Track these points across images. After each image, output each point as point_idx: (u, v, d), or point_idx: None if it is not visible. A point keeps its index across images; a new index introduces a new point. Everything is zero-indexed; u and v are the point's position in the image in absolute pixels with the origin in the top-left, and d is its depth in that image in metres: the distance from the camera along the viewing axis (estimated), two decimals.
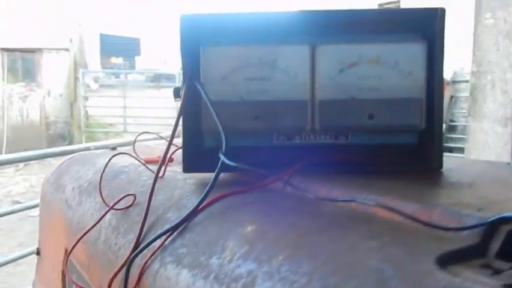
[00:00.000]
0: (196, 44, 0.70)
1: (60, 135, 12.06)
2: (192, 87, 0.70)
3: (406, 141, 0.73)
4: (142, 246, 0.64)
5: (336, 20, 0.71)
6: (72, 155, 1.28)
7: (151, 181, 0.84)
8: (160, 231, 0.63)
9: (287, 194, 0.61)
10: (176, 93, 0.73)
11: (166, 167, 0.80)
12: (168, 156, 0.70)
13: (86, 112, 11.40)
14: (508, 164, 0.81)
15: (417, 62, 0.71)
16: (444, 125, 8.03)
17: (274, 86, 0.71)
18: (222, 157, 0.64)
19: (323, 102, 0.72)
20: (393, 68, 0.71)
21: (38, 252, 1.29)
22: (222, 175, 0.64)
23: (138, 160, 0.94)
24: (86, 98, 11.41)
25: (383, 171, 0.73)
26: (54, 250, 1.10)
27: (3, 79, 11.21)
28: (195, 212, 0.61)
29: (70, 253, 0.91)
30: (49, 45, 11.57)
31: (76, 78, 11.68)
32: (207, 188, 0.62)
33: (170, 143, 0.71)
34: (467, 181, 0.64)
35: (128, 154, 0.98)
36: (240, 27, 0.71)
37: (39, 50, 11.51)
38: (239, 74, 0.71)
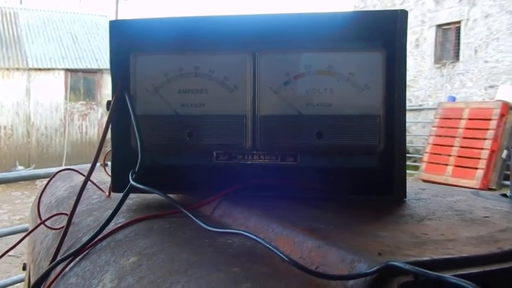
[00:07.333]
0: (127, 51, 0.65)
1: None
2: (121, 98, 0.64)
3: (362, 165, 0.63)
4: (47, 269, 0.58)
5: (281, 25, 0.63)
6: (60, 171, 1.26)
7: (98, 199, 0.79)
8: (66, 255, 0.57)
9: (192, 222, 0.53)
10: (109, 104, 0.67)
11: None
12: (90, 174, 0.64)
13: None
14: (478, 192, 0.68)
15: (375, 74, 0.61)
16: (505, 152, 7.44)
17: (211, 99, 0.64)
18: (130, 178, 0.57)
19: (265, 117, 0.63)
20: (346, 80, 0.62)
21: (24, 268, 1.27)
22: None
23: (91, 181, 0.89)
24: None
25: (336, 198, 0.63)
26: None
27: (66, 98, 11.84)
28: (93, 240, 0.55)
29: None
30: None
31: None
32: (111, 212, 0.56)
33: (95, 161, 0.65)
34: (420, 214, 0.53)
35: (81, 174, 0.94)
36: (174, 33, 0.64)
37: (100, 70, 12.09)
38: (173, 85, 0.64)
